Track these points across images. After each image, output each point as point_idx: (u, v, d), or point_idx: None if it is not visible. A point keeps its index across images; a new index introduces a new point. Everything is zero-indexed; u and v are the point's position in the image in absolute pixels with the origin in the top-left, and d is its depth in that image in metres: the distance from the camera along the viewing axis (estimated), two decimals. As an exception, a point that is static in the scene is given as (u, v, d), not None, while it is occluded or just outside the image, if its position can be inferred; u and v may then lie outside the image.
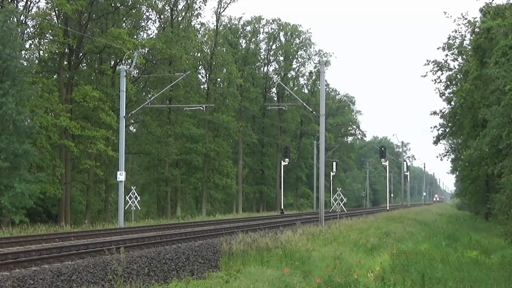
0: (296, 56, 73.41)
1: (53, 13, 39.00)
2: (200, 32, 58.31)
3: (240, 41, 69.62)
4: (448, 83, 41.99)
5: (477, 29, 33.61)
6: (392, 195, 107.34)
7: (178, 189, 51.84)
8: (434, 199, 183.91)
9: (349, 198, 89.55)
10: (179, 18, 52.67)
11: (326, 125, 35.84)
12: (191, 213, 51.06)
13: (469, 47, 37.40)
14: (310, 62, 74.71)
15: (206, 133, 54.29)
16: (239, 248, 16.43)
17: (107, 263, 13.50)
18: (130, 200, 35.71)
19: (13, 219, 29.00)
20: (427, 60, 42.56)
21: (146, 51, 44.11)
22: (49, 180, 35.26)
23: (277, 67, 73.29)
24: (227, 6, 57.36)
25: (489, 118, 25.09)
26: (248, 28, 69.93)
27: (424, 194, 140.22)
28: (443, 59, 42.85)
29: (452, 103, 41.40)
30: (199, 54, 57.68)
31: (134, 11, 45.52)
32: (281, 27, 71.47)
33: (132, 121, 48.79)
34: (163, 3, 50.67)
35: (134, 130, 54.21)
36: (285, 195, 68.90)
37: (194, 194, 59.10)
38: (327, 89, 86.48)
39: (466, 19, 39.08)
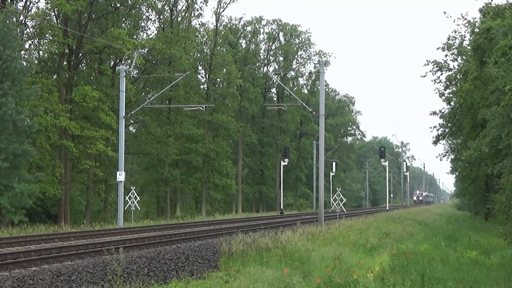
0: (296, 56, 73.46)
1: (53, 13, 38.96)
2: (200, 32, 58.35)
3: (240, 42, 69.67)
4: (448, 83, 41.97)
5: (476, 29, 33.59)
6: (391, 195, 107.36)
7: (178, 189, 51.83)
8: (415, 197, 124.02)
9: (349, 198, 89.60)
10: (179, 19, 52.72)
11: (325, 125, 35.82)
12: (191, 213, 51.03)
13: (469, 47, 37.38)
14: (309, 62, 74.77)
15: (206, 133, 54.29)
16: (238, 248, 16.44)
17: (107, 263, 13.50)
18: (129, 200, 35.71)
19: (12, 219, 28.99)
20: (427, 61, 42.58)
21: (146, 52, 44.11)
22: (48, 180, 35.26)
23: (276, 67, 73.36)
24: (226, 6, 57.47)
25: (488, 118, 25.09)
26: (249, 28, 70.06)
27: (425, 194, 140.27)
28: (443, 60, 42.89)
29: (452, 103, 41.38)
30: (198, 54, 57.69)
31: (133, 11, 45.54)
32: (281, 27, 71.51)
33: (131, 121, 48.79)
34: (163, 3, 50.74)
35: (134, 130, 54.22)
36: (285, 195, 68.95)
37: (194, 194, 59.10)
38: (327, 89, 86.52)
39: (465, 19, 39.10)
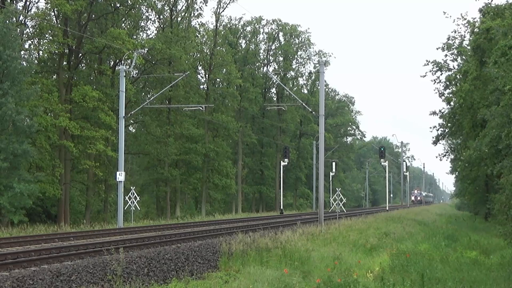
0: (296, 56, 73.46)
1: (53, 13, 38.96)
2: (200, 32, 58.37)
3: (240, 42, 69.67)
4: (448, 83, 41.94)
5: (476, 29, 33.59)
6: (391, 195, 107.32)
7: (178, 189, 51.82)
8: (413, 197, 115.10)
9: (349, 198, 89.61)
10: (179, 19, 52.72)
11: (325, 125, 35.82)
12: (191, 214, 51.04)
13: (469, 47, 37.37)
14: (309, 62, 74.81)
15: (206, 133, 54.29)
16: (238, 248, 16.44)
17: (107, 263, 13.49)
18: (129, 200, 35.70)
19: (12, 219, 28.99)
20: (427, 61, 42.55)
21: (146, 51, 44.10)
22: (48, 180, 35.24)
23: (276, 67, 73.35)
24: (226, 6, 57.48)
25: (488, 118, 25.07)
26: (248, 28, 70.06)
27: (424, 194, 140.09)
28: (443, 60, 42.84)
29: (452, 103, 41.36)
30: (198, 55, 57.71)
31: (133, 11, 45.51)
32: (281, 27, 71.52)
33: (131, 121, 48.78)
34: (163, 3, 50.74)
35: (134, 130, 54.20)
36: (285, 195, 68.93)
37: (194, 194, 59.09)
38: (327, 89, 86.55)
39: (465, 19, 39.07)
